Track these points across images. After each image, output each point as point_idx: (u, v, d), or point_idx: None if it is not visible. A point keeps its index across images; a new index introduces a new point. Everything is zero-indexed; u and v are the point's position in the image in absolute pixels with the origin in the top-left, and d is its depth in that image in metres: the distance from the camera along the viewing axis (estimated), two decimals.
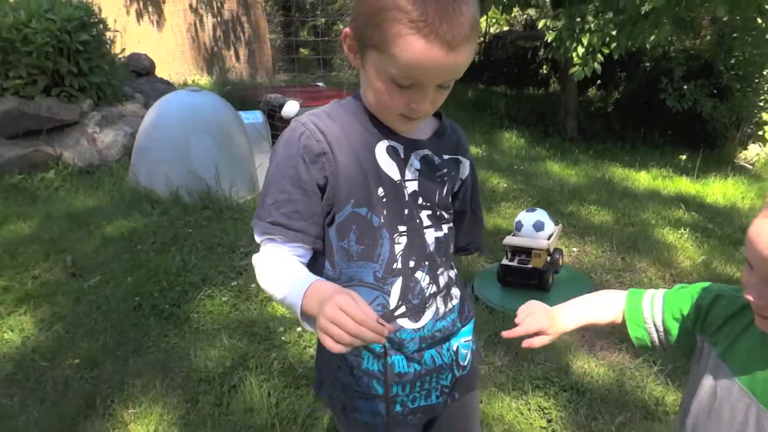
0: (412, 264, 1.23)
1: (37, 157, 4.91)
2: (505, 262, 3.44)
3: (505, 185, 5.47)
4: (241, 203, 4.55)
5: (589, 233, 4.42)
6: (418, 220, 1.24)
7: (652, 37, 5.48)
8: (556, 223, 3.65)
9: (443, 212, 1.29)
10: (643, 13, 5.36)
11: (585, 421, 2.48)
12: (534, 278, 3.37)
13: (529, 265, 3.37)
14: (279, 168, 1.17)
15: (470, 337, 1.41)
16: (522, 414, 2.52)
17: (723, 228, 4.69)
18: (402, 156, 1.20)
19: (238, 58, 11.46)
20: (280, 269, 1.17)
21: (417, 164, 1.22)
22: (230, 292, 3.34)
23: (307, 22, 12.11)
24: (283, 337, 2.93)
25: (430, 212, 1.26)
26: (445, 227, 1.29)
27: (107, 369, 2.71)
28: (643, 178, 6.03)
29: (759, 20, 5.88)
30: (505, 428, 2.42)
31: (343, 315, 0.95)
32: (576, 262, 4.03)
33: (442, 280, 1.29)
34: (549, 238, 3.43)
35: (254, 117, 5.34)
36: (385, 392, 1.27)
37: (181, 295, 3.27)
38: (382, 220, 1.19)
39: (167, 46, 10.51)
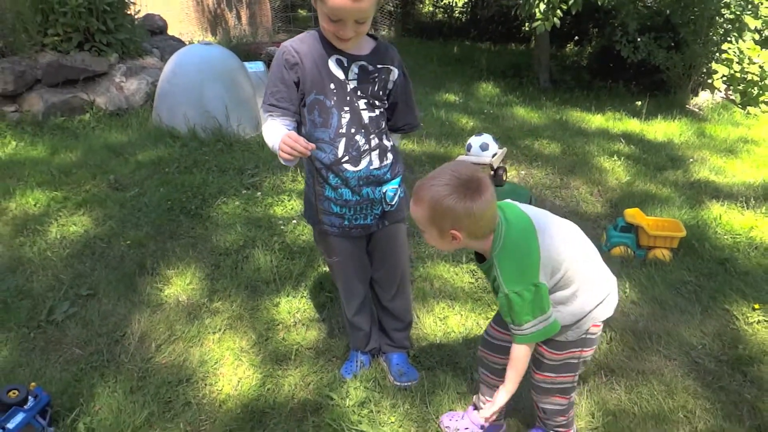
0: (353, 131, 2.10)
1: (75, 102, 5.80)
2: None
3: (473, 124, 6.35)
4: (247, 138, 5.42)
5: (537, 160, 5.31)
6: (356, 104, 2.09)
7: None
8: (500, 146, 4.51)
9: (375, 101, 2.13)
10: None
11: None
12: None
13: None
14: (273, 73, 2.05)
15: (397, 186, 2.27)
16: (457, 275, 3.42)
17: (653, 157, 5.56)
18: (345, 65, 2.05)
19: (239, 19, 12.09)
20: (273, 131, 2.04)
21: (356, 70, 2.06)
22: (241, 199, 4.24)
23: None
24: (282, 227, 3.85)
25: (366, 100, 2.10)
26: (377, 111, 2.15)
27: (151, 247, 3.61)
28: (597, 120, 6.88)
29: None
30: (443, 282, 3.33)
31: (289, 140, 1.86)
32: (522, 180, 4.92)
33: (374, 143, 2.15)
34: (493, 157, 4.30)
35: (257, 66, 6.20)
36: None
37: (203, 201, 4.17)
38: (332, 103, 2.06)
39: (174, 9, 11.15)
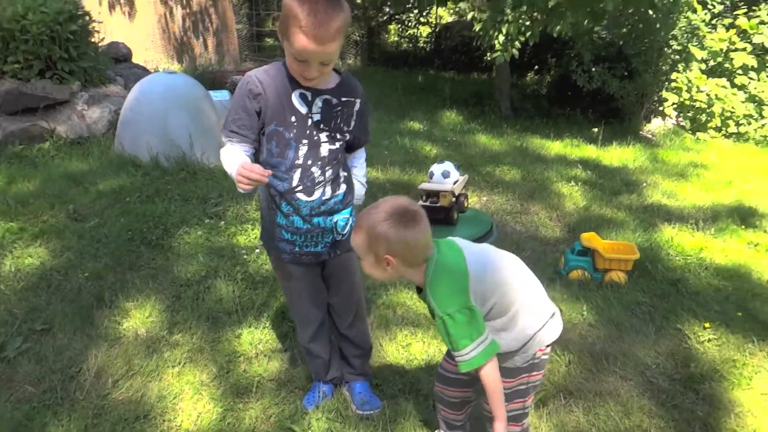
0: (309, 162, 2.15)
1: (35, 131, 5.74)
2: (420, 203, 4.39)
3: (436, 152, 6.46)
4: (211, 167, 5.41)
5: (498, 186, 5.42)
6: (316, 137, 2.14)
7: (558, 28, 6.50)
8: (462, 173, 4.61)
9: (337, 134, 2.19)
10: (550, 6, 6.36)
11: None
12: (441, 214, 4.32)
13: (438, 204, 4.32)
14: (236, 100, 2.09)
15: (348, 216, 2.33)
16: (419, 301, 3.44)
17: (608, 182, 5.73)
18: (309, 99, 2.09)
19: (206, 47, 12.10)
20: (231, 157, 2.08)
21: (320, 104, 2.12)
22: (203, 228, 4.22)
23: (271, 14, 12.86)
24: (245, 256, 3.85)
25: (327, 133, 2.16)
26: (337, 144, 2.21)
27: (110, 279, 3.57)
28: (555, 146, 7.06)
29: (650, 12, 6.92)
30: (405, 309, 3.36)
31: (244, 170, 1.89)
32: (483, 207, 5.02)
33: (329, 174, 2.20)
34: (454, 184, 4.39)
35: (222, 95, 6.24)
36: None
37: (165, 231, 4.14)
38: (291, 135, 2.11)
39: (139, 37, 11.13)
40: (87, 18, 6.32)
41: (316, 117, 2.12)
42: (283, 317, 3.22)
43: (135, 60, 8.47)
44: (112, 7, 10.86)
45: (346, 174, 2.32)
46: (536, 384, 2.07)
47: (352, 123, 2.23)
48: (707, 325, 3.29)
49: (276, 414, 2.55)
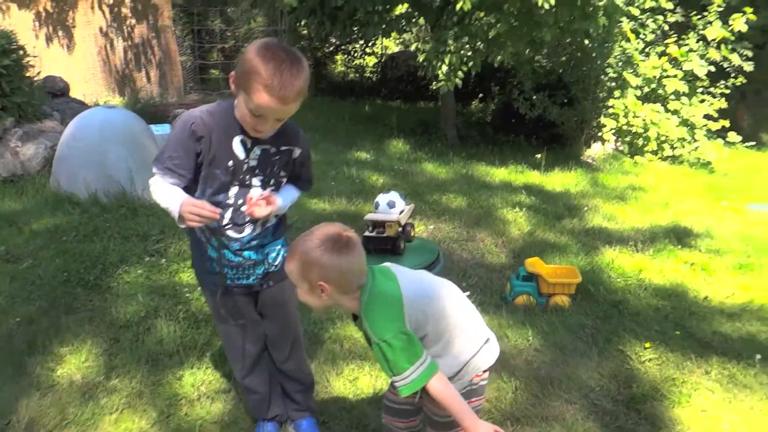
0: (240, 202, 2.15)
1: None
2: (366, 233, 4.38)
3: (383, 181, 6.49)
4: (152, 203, 5.28)
5: (444, 214, 5.47)
6: (249, 181, 2.14)
7: (498, 58, 6.68)
8: (407, 203, 4.63)
9: (272, 179, 2.20)
10: (491, 37, 6.53)
11: None
12: (388, 244, 4.32)
13: (384, 234, 4.32)
14: (176, 137, 2.05)
15: (280, 247, 2.33)
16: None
17: (551, 207, 5.85)
18: (249, 146, 2.09)
19: (149, 79, 11.92)
20: (168, 192, 2.04)
21: (258, 152, 2.12)
22: (144, 267, 4.12)
23: (215, 46, 12.82)
24: (187, 294, 3.76)
25: (261, 178, 2.17)
26: (269, 189, 2.20)
27: (43, 324, 3.42)
28: (500, 173, 7.18)
29: (586, 42, 7.19)
30: (353, 342, 3.33)
31: (195, 207, 1.89)
32: (430, 235, 5.05)
33: None
34: (400, 213, 4.40)
35: (163, 129, 6.15)
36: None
37: (103, 271, 4.02)
38: (226, 178, 2.10)
39: (78, 69, 10.90)
40: (21, 52, 6.16)
41: (252, 163, 2.13)
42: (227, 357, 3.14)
43: (74, 94, 8.29)
44: (49, 39, 10.62)
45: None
46: (477, 409, 2.06)
47: (289, 170, 2.25)
48: (648, 344, 3.37)
49: None
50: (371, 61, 14.63)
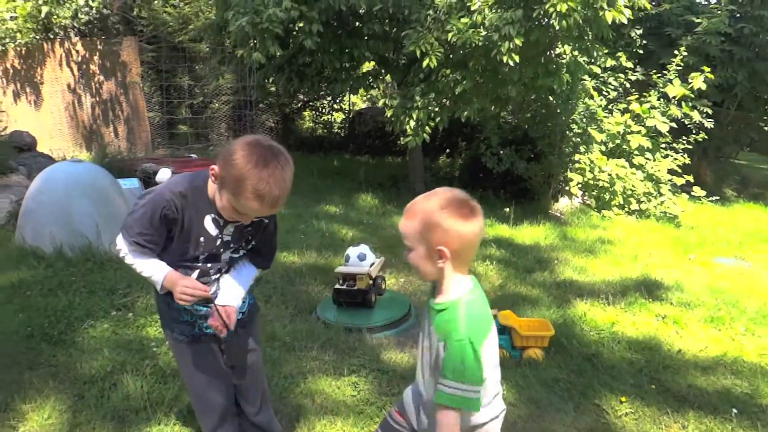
0: (209, 265, 2.18)
1: None
2: (337, 286, 4.35)
3: (352, 235, 6.48)
4: (119, 257, 5.19)
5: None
6: (219, 251, 2.17)
7: (465, 113, 6.84)
8: (378, 256, 4.62)
9: (243, 243, 2.23)
10: (457, 93, 6.70)
11: (385, 389, 3.37)
12: (359, 297, 4.28)
13: (355, 287, 4.29)
14: (147, 215, 2.02)
15: (246, 296, 2.33)
16: (339, 388, 3.37)
17: (522, 260, 5.89)
18: (221, 224, 2.11)
19: (117, 134, 11.87)
20: (149, 262, 2.08)
21: (231, 229, 2.15)
22: (111, 321, 4.00)
23: (184, 101, 12.86)
24: (155, 349, 3.65)
25: (234, 248, 2.20)
26: (241, 252, 2.26)
27: (5, 380, 3.28)
28: None
29: (551, 98, 7.42)
30: (324, 397, 3.26)
31: (188, 288, 1.97)
32: (401, 288, 5.03)
33: (226, 271, 2.25)
34: (371, 266, 4.38)
35: (131, 183, 6.08)
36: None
37: (68, 326, 3.89)
38: (196, 251, 2.12)
39: (46, 125, 10.85)
40: None
41: (227, 238, 2.16)
42: None
43: (40, 148, 8.22)
44: (17, 96, 10.60)
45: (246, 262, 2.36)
46: None
47: (258, 238, 2.27)
48: (623, 399, 3.35)
49: None
50: (339, 117, 14.83)
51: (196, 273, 2.17)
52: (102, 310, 4.14)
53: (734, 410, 3.25)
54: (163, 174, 6.01)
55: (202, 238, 2.10)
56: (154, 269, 2.07)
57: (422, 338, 1.93)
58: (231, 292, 2.24)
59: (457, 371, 1.69)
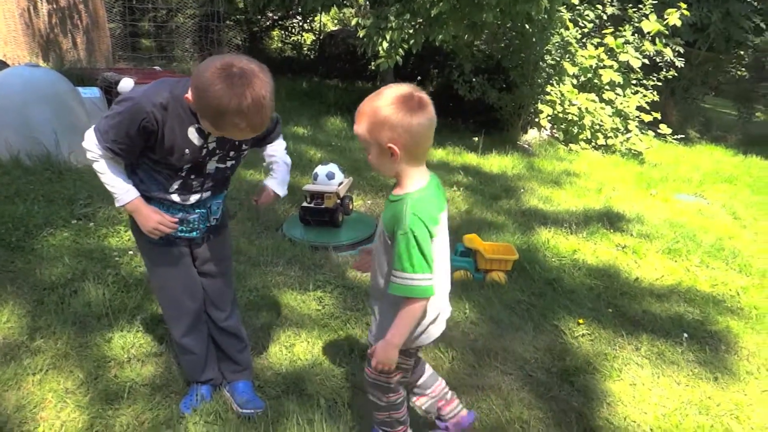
0: (192, 177, 2.11)
1: None
2: (304, 204, 4.31)
3: (320, 156, 6.41)
4: (80, 167, 5.03)
5: (382, 191, 5.44)
6: (203, 160, 2.07)
7: (440, 36, 6.68)
8: (346, 176, 4.58)
9: (231, 152, 2.14)
10: (433, 15, 6.52)
11: (350, 305, 3.40)
12: (326, 216, 4.26)
13: (323, 206, 4.26)
14: (123, 123, 1.91)
15: (221, 201, 2.31)
16: (304, 302, 3.38)
17: (488, 188, 5.92)
18: (206, 132, 2.00)
19: (75, 45, 11.31)
20: (115, 176, 2.01)
21: (215, 137, 2.04)
22: (71, 230, 3.91)
23: (147, 12, 12.29)
24: (117, 258, 3.59)
25: (219, 156, 2.11)
26: (228, 162, 2.17)
27: None
28: (438, 153, 7.24)
29: (527, 26, 7.28)
30: (289, 310, 3.28)
31: (162, 226, 2.00)
32: (368, 210, 5.02)
33: (208, 185, 2.18)
34: (339, 185, 4.34)
35: (92, 92, 5.83)
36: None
37: (26, 233, 3.79)
38: (180, 164, 2.02)
39: None
40: None
41: (212, 146, 2.06)
42: (160, 320, 3.01)
43: None
44: None
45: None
46: (404, 368, 2.09)
47: (250, 142, 2.19)
48: (581, 321, 3.44)
49: (150, 419, 2.38)
50: (309, 38, 14.40)
51: (177, 184, 2.10)
52: (62, 219, 4.04)
53: (685, 335, 3.38)
54: (126, 83, 5.77)
55: (186, 150, 2.00)
56: (121, 188, 2.02)
57: (376, 242, 1.98)
58: (280, 177, 2.36)
59: (404, 261, 1.75)
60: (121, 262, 3.56)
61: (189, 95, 1.85)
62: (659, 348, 3.26)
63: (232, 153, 2.15)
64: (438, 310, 1.99)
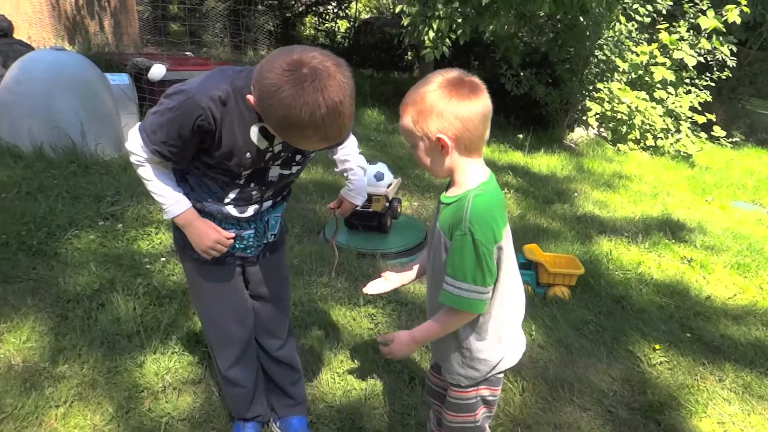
0: (252, 184, 1.77)
1: None
2: None
3: (360, 152, 6.02)
4: (107, 160, 4.76)
5: (429, 191, 5.11)
6: (266, 165, 1.74)
7: (491, 27, 6.27)
8: (395, 176, 4.23)
9: (297, 156, 1.79)
10: (484, 4, 6.12)
11: (405, 324, 3.07)
12: (374, 220, 3.92)
13: (370, 209, 3.92)
14: (174, 122, 1.58)
15: (279, 215, 1.98)
16: (354, 320, 3.06)
17: (540, 190, 5.55)
18: (271, 132, 1.62)
19: (102, 28, 11.12)
20: (164, 184, 1.72)
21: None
22: (97, 232, 3.62)
23: None
24: (148, 266, 3.29)
25: (284, 156, 1.76)
26: (293, 168, 1.83)
27: None
28: (483, 151, 6.84)
29: (581, 18, 6.85)
30: (339, 329, 2.96)
31: (219, 245, 1.77)
32: (416, 213, 4.68)
33: (268, 195, 1.85)
34: (388, 187, 4.00)
35: (120, 79, 5.51)
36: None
37: (49, 235, 3.51)
38: (240, 169, 1.69)
39: (24, 12, 10.06)
40: None
41: (277, 149, 1.73)
42: (197, 340, 2.71)
43: (18, 35, 7.51)
44: None
45: (289, 188, 2.00)
46: (490, 401, 1.78)
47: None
48: (657, 346, 3.13)
49: None
50: (343, 25, 14.03)
51: (234, 193, 1.77)
52: (87, 218, 3.75)
53: None
54: (157, 70, 5.46)
55: (248, 154, 1.66)
56: (172, 198, 1.74)
57: (428, 252, 1.71)
58: (358, 186, 2.14)
59: (457, 268, 1.50)
60: (152, 270, 3.25)
61: (251, 97, 1.50)
62: (744, 380, 2.93)
63: (298, 157, 1.80)
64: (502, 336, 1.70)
